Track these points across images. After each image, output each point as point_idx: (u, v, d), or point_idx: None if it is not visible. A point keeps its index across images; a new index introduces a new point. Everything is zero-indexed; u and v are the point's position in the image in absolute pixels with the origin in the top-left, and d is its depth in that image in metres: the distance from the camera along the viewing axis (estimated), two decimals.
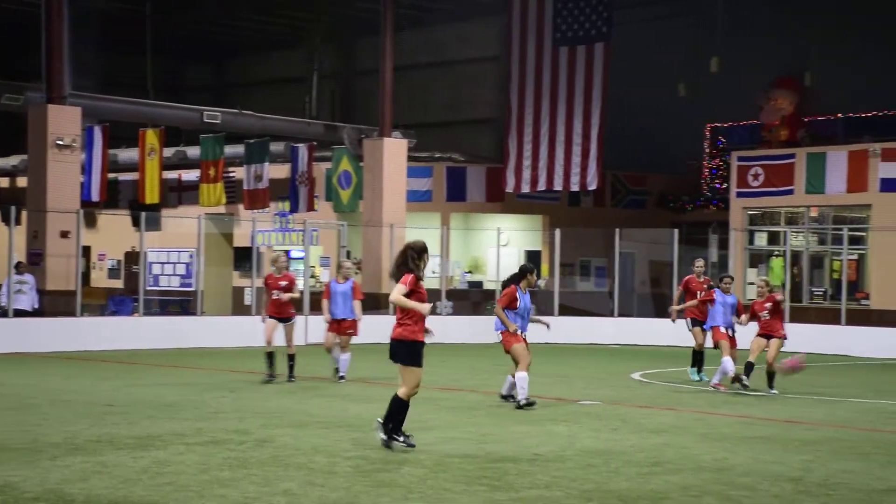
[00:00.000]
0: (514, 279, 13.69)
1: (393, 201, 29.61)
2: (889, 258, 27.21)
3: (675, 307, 18.34)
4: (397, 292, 9.72)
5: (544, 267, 31.74)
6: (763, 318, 15.71)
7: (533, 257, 32.35)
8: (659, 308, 30.33)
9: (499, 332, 13.65)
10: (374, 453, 9.76)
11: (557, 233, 28.93)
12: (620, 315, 29.04)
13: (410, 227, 29.81)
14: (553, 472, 9.11)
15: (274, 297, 16.29)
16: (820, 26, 32.80)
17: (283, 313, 16.36)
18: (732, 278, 16.90)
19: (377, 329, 25.42)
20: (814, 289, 29.90)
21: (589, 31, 30.27)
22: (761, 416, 13.23)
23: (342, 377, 16.50)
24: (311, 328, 23.66)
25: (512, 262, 30.36)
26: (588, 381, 17.76)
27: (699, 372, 17.48)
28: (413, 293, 9.71)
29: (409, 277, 9.76)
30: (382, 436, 9.77)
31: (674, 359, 22.10)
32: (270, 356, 16.16)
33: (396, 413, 9.75)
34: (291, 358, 16.40)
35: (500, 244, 29.51)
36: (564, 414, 13.08)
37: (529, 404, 13.31)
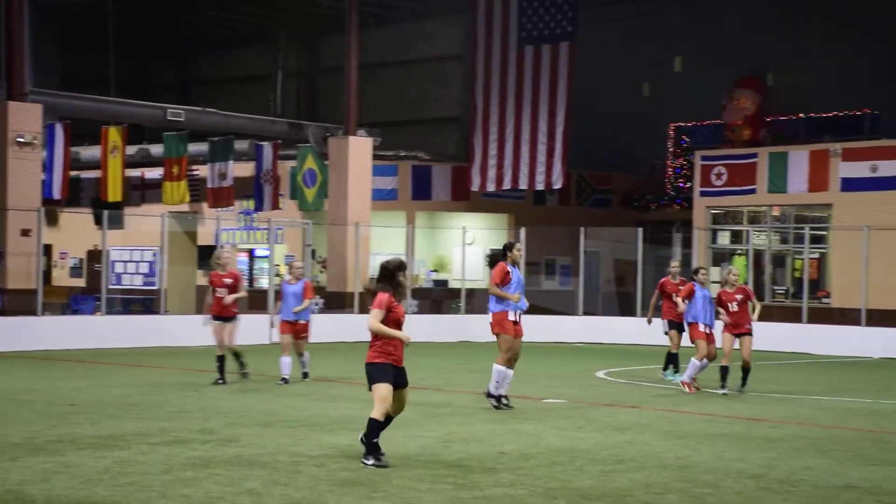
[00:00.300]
0: (500, 256, 13.46)
1: (358, 200, 29.56)
2: (849, 257, 27.48)
3: (651, 308, 17.85)
4: (374, 319, 9.23)
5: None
6: (732, 309, 15.49)
7: (498, 256, 32.37)
8: (624, 307, 30.48)
9: (491, 313, 13.26)
10: (339, 452, 9.73)
11: (523, 231, 28.99)
12: (585, 314, 29.14)
13: (376, 226, 29.80)
14: (518, 471, 9.13)
15: (217, 295, 15.81)
16: (782, 27, 33.10)
17: (226, 312, 15.86)
18: (707, 269, 16.48)
19: (341, 328, 25.50)
20: (776, 287, 30.15)
21: (554, 30, 30.36)
22: (724, 414, 13.33)
23: (306, 373, 16.30)
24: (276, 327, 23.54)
25: (477, 261, 30.40)
26: (553, 379, 17.81)
27: (675, 372, 17.13)
28: (389, 312, 9.30)
29: (383, 298, 9.31)
30: (369, 462, 9.12)
31: (639, 357, 22.22)
32: (221, 359, 15.76)
33: (371, 434, 9.17)
34: (237, 355, 16.00)
35: (466, 243, 29.54)
36: (529, 412, 13.10)
37: (497, 402, 13.12)
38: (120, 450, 9.76)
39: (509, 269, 13.32)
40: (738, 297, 15.51)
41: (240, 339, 16.21)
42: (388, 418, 9.36)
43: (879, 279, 26.47)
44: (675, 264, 18.15)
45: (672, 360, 17.34)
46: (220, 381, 15.64)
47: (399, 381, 9.35)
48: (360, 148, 29.94)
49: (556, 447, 10.41)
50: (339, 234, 29.21)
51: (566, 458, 9.82)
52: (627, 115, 34.10)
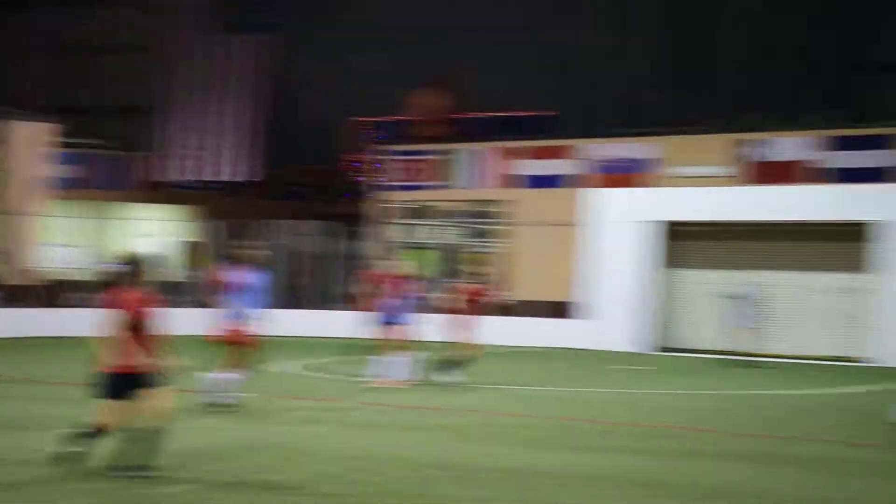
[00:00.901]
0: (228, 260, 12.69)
1: (30, 189, 28.09)
2: (530, 252, 28.89)
3: (362, 302, 16.94)
4: (119, 329, 8.15)
5: (202, 258, 31.28)
6: (478, 304, 15.86)
7: (191, 248, 31.75)
8: (302, 299, 30.52)
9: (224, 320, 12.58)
10: (9, 453, 9.23)
11: (212, 224, 28.57)
12: (273, 307, 28.95)
13: (55, 217, 28.45)
14: (198, 468, 8.98)
15: None
16: (475, 28, 34.36)
17: None
18: (406, 264, 16.12)
19: (17, 324, 24.14)
20: (447, 281, 31.21)
21: (254, 21, 30.16)
22: (410, 405, 13.69)
23: None
24: None
25: (164, 252, 29.53)
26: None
27: (376, 366, 16.73)
28: (137, 314, 8.23)
29: (128, 298, 8.24)
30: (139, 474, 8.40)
31: (322, 349, 22.42)
32: None
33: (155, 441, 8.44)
34: None
35: (148, 234, 28.80)
36: (218, 408, 12.90)
37: (228, 406, 12.52)
38: None
39: (230, 278, 12.48)
40: (486, 295, 15.94)
41: None
42: (103, 431, 8.56)
43: (555, 272, 27.97)
44: (382, 255, 18.18)
45: (373, 354, 17.03)
46: None
47: (140, 386, 8.35)
48: (32, 134, 28.39)
49: (237, 442, 10.32)
50: (12, 225, 27.68)
51: (247, 452, 9.77)
52: (321, 110, 34.35)
